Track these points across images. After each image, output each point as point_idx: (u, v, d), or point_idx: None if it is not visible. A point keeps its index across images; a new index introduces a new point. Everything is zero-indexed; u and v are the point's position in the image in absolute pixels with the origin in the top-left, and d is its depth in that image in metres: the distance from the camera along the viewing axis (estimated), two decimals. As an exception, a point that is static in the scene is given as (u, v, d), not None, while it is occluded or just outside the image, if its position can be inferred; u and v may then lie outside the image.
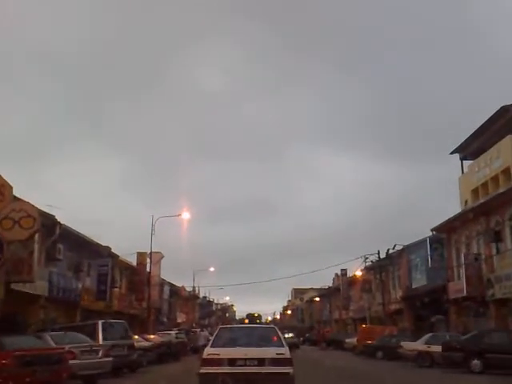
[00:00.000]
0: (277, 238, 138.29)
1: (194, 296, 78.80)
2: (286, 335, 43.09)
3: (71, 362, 12.70)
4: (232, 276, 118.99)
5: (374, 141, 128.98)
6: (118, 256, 34.49)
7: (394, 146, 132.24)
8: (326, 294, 74.56)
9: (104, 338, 16.35)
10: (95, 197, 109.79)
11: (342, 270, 57.35)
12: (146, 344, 21.61)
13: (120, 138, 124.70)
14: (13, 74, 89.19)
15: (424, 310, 35.13)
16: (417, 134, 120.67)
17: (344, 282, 57.46)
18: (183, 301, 71.39)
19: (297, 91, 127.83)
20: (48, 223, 23.55)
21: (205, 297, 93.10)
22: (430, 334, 23.34)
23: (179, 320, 63.62)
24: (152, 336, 27.80)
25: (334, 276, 73.79)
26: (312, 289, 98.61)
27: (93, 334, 16.35)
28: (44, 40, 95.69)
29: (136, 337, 24.05)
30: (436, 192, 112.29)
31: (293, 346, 35.64)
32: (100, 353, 13.98)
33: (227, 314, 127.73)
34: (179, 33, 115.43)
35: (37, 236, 20.49)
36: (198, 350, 26.74)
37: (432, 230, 32.48)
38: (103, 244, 29.57)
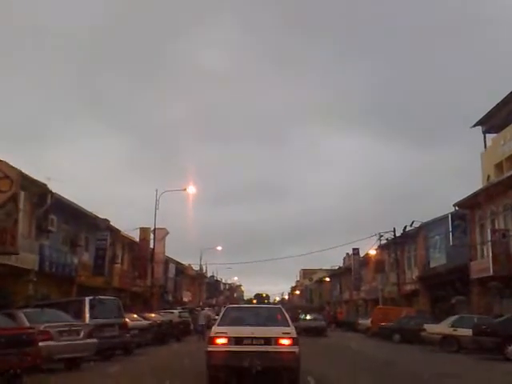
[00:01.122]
0: (286, 220, 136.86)
1: (201, 275, 77.29)
2: (308, 316, 37.42)
3: (46, 343, 10.80)
4: (240, 258, 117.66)
5: (383, 122, 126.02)
6: (119, 230, 32.64)
7: (404, 127, 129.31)
8: (336, 274, 72.72)
9: (92, 317, 14.43)
10: (99, 177, 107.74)
11: (353, 249, 55.20)
12: (144, 323, 19.67)
13: (123, 120, 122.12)
14: (13, 54, 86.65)
15: (443, 291, 33.07)
16: (427, 114, 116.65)
17: (356, 261, 55.37)
18: (190, 280, 69.96)
19: (303, 72, 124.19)
20: (38, 191, 21.70)
21: (212, 276, 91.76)
22: (456, 317, 21.21)
23: (185, 299, 62.14)
24: (153, 315, 25.93)
25: (344, 256, 72.02)
26: (321, 270, 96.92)
27: (79, 312, 14.47)
28: (45, 19, 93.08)
29: (135, 315, 22.22)
30: (449, 172, 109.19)
31: (317, 332, 32.01)
32: (81, 333, 11.97)
33: (235, 294, 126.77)
34: (181, 13, 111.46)
35: (23, 203, 18.66)
36: (197, 330, 24.99)
37: (454, 206, 30.23)
38: (102, 217, 27.59)
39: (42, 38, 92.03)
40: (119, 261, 33.33)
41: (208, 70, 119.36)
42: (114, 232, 32.20)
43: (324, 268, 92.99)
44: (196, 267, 72.47)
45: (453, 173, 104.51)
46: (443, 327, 20.47)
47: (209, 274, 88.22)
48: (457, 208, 30.36)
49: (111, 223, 28.08)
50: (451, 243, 30.35)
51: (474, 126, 37.37)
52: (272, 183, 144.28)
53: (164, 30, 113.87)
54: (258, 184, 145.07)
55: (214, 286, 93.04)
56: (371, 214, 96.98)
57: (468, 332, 18.27)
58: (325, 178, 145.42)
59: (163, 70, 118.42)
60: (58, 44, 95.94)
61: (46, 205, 21.79)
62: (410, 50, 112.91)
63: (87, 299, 14.86)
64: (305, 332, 29.57)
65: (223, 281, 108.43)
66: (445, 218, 32.74)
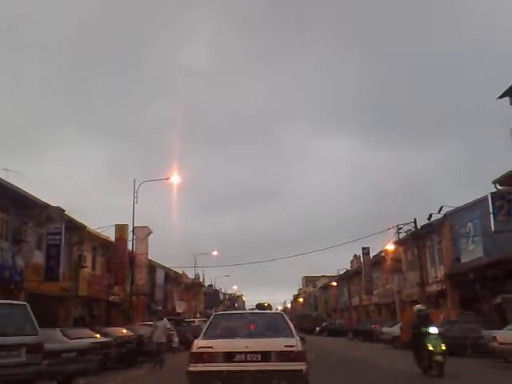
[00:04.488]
0: (282, 225, 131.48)
1: (197, 284, 71.40)
2: None
3: None
4: (237, 266, 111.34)
5: (377, 120, 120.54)
6: (85, 226, 26.89)
7: (400, 125, 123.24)
8: (343, 278, 66.89)
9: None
10: (82, 183, 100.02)
11: (363, 248, 49.44)
12: (85, 343, 13.66)
13: (107, 124, 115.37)
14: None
15: (480, 289, 27.41)
16: (425, 110, 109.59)
17: (366, 261, 49.63)
18: (184, 288, 64.12)
19: (293, 69, 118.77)
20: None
21: (211, 285, 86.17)
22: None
23: (179, 310, 56.23)
24: (124, 330, 19.96)
25: (352, 258, 66.19)
26: (324, 276, 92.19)
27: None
28: (27, 23, 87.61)
29: (95, 333, 16.41)
30: (448, 171, 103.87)
31: None
32: None
33: (236, 304, 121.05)
34: (164, 8, 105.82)
35: None
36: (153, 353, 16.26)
37: (494, 183, 24.52)
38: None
39: (17, 42, 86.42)
40: (87, 264, 27.51)
41: (193, 69, 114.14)
42: (80, 229, 26.52)
43: (327, 275, 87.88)
44: (191, 275, 66.82)
45: (451, 172, 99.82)
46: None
47: (207, 284, 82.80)
48: (497, 185, 24.72)
49: (65, 212, 22.01)
50: (493, 229, 24.62)
51: (501, 96, 31.98)
52: (265, 186, 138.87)
53: (145, 27, 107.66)
54: (251, 188, 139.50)
55: (212, 295, 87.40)
56: (372, 217, 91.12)
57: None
58: (320, 180, 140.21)
59: (146, 71, 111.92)
60: (35, 49, 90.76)
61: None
62: (406, 44, 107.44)
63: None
64: None
65: (222, 290, 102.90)
66: (480, 201, 27.22)
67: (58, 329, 14.49)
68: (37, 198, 21.24)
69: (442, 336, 20.39)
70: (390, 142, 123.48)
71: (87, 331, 15.92)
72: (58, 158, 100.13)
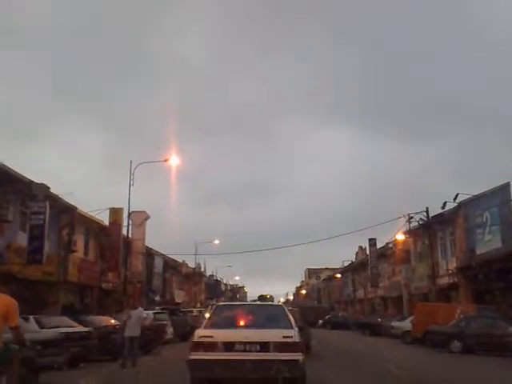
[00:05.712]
0: (284, 219, 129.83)
1: (198, 273, 69.75)
2: None
3: None
4: (239, 257, 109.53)
5: (377, 115, 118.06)
6: (76, 208, 25.17)
7: (398, 120, 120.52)
8: (348, 269, 65.22)
9: None
10: (79, 173, 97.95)
11: (370, 239, 47.64)
12: (51, 334, 11.72)
13: (106, 116, 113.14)
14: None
15: (496, 283, 25.72)
16: (424, 105, 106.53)
17: (373, 253, 47.85)
18: (184, 278, 62.57)
19: (291, 61, 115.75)
20: None
21: (212, 275, 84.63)
22: None
23: (178, 299, 54.68)
24: (112, 320, 18.31)
25: (357, 250, 64.47)
26: (327, 268, 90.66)
27: None
28: (24, 14, 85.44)
29: (77, 323, 14.74)
30: (447, 166, 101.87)
31: None
32: None
33: (238, 295, 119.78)
34: (163, 2, 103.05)
35: None
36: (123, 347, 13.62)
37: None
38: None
39: (15, 33, 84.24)
40: (78, 248, 25.80)
41: (188, 61, 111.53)
42: (70, 210, 24.82)
43: (330, 267, 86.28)
44: (192, 264, 65.15)
45: (450, 166, 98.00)
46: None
47: (208, 274, 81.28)
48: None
49: (50, 189, 20.12)
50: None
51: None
52: (266, 180, 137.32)
53: (145, 19, 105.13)
54: (252, 181, 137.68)
55: (213, 286, 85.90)
56: (374, 211, 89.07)
57: None
58: (321, 172, 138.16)
59: (145, 65, 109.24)
60: (32, 37, 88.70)
61: None
62: (406, 40, 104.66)
63: None
64: None
65: (224, 281, 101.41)
66: (499, 189, 25.52)
67: (31, 316, 12.83)
68: (20, 175, 19.48)
69: (461, 333, 18.75)
70: (388, 135, 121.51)
71: (66, 320, 14.30)
72: (56, 148, 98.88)
